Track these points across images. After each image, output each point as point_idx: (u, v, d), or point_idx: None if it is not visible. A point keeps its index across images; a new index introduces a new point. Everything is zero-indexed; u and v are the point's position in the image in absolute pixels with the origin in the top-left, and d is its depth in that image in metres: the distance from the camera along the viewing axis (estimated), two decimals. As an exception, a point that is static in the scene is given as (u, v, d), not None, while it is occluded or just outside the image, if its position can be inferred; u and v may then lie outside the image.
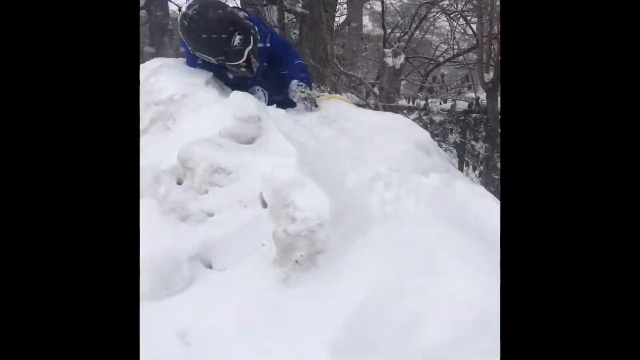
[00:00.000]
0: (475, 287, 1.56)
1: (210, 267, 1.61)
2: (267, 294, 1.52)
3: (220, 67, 2.25)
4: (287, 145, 1.79)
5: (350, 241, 1.64)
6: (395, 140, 2.04)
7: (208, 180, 1.70)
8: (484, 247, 1.71)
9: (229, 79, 2.33)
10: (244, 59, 2.21)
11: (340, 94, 4.60)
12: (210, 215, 1.67)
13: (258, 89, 2.38)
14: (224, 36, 2.11)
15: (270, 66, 2.49)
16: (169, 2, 4.89)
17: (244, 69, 2.28)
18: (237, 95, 1.87)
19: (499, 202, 2.06)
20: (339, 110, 2.22)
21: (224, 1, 2.40)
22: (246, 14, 2.41)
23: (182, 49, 2.38)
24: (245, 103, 1.83)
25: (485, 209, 1.89)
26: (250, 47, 2.21)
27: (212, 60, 2.19)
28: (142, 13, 5.38)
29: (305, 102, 2.31)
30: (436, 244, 1.67)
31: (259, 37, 2.32)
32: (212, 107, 1.90)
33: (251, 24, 2.30)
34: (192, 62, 2.27)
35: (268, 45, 2.46)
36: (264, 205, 1.69)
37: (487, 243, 1.74)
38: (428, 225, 1.74)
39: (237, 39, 2.14)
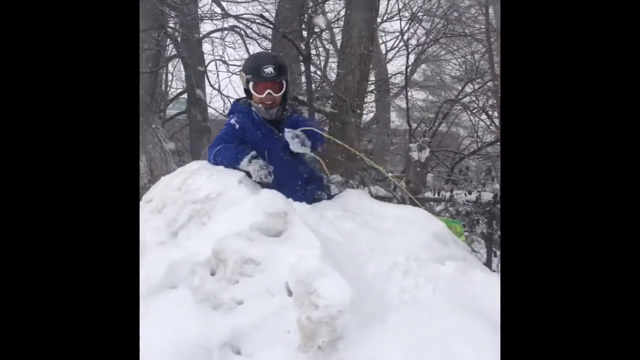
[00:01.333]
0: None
1: (239, 353, 1.72)
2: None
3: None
4: (312, 237, 1.94)
5: (369, 327, 1.74)
6: (414, 231, 2.18)
7: (239, 271, 1.85)
8: (498, 336, 1.78)
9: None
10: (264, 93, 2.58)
11: (368, 188, 4.79)
12: (240, 303, 1.81)
13: (256, 162, 2.49)
14: None
15: None
16: (208, 107, 5.30)
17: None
18: (267, 193, 2.07)
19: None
20: (359, 203, 2.39)
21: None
22: None
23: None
24: (273, 199, 2.02)
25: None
26: None
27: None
28: (183, 117, 5.82)
29: (295, 139, 2.52)
30: (452, 332, 1.75)
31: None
32: (244, 204, 2.09)
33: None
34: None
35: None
36: (290, 294, 1.82)
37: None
38: (444, 312, 1.84)
39: (269, 69, 2.55)
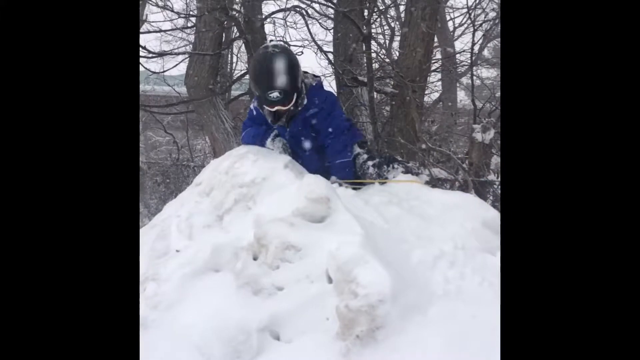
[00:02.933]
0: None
1: (278, 338, 1.73)
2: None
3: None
4: (354, 224, 1.91)
5: (410, 318, 1.70)
6: (462, 218, 2.10)
7: (280, 257, 1.86)
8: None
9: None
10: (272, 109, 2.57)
11: (429, 170, 4.68)
12: (280, 289, 1.81)
13: (279, 140, 2.65)
14: (267, 79, 2.47)
15: (307, 132, 2.73)
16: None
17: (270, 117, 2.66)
18: (309, 178, 2.05)
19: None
20: (408, 189, 2.33)
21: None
22: (310, 80, 2.72)
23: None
24: (316, 185, 2.00)
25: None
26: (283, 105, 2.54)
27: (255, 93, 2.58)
28: (247, 97, 5.88)
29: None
30: (496, 326, 1.67)
31: (304, 103, 2.64)
32: (288, 189, 2.08)
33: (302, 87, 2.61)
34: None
35: (314, 122, 2.70)
36: (330, 281, 1.80)
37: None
38: (490, 305, 1.75)
39: (274, 94, 2.47)
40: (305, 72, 2.77)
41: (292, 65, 2.51)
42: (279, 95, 2.48)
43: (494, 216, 2.15)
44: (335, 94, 5.98)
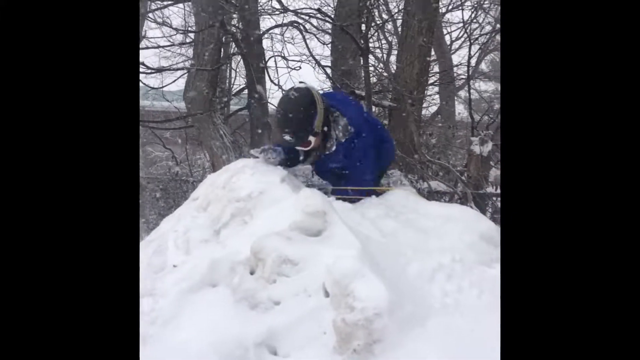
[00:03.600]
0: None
1: (275, 353, 1.72)
2: (325, 382, 1.59)
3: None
4: (351, 237, 1.91)
5: (407, 332, 1.69)
6: (460, 231, 2.10)
7: (277, 271, 1.85)
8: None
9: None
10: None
11: (428, 183, 4.68)
12: (277, 303, 1.81)
13: (272, 149, 2.61)
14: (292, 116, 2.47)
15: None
16: (268, 103, 5.35)
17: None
18: (306, 192, 2.06)
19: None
20: (405, 202, 2.33)
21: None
22: (343, 129, 2.61)
23: None
24: (312, 198, 2.00)
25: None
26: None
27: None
28: (245, 112, 5.91)
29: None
30: (494, 339, 1.66)
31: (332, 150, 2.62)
32: (284, 203, 2.08)
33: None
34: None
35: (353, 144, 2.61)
36: (327, 295, 1.79)
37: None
38: (488, 318, 1.75)
39: (286, 137, 2.50)
40: (337, 114, 2.63)
41: (307, 109, 2.49)
42: (290, 138, 2.51)
43: (491, 228, 2.15)
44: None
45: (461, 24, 7.55)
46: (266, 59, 5.38)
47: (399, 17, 6.64)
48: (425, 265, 1.94)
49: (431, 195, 4.48)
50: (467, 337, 1.69)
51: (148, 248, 2.20)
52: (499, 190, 4.56)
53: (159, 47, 5.76)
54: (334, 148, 2.62)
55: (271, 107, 5.54)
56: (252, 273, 1.93)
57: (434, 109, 8.30)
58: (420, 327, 1.72)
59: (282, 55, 5.76)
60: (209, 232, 2.16)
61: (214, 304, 1.85)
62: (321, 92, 2.72)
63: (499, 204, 4.45)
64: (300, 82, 2.62)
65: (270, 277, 1.85)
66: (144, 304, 1.88)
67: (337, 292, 1.74)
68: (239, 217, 2.15)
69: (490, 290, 1.89)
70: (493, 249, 2.07)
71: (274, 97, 5.89)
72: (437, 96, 8.26)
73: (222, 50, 5.61)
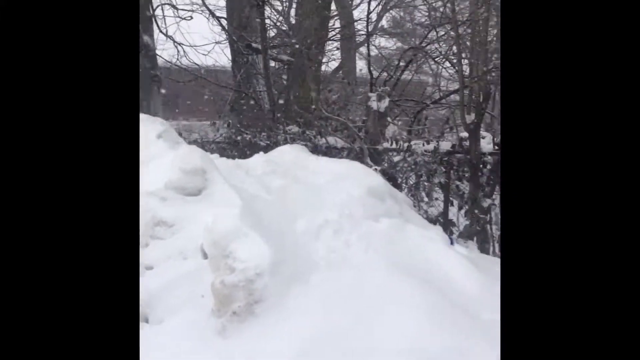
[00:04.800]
0: (418, 333, 1.54)
1: (147, 321, 1.59)
2: (200, 347, 1.50)
3: None
4: (233, 195, 1.80)
5: (290, 289, 1.62)
6: (349, 187, 2.04)
7: (149, 234, 1.71)
8: (428, 291, 1.68)
9: None
10: None
11: (325, 139, 4.64)
12: (149, 268, 1.67)
13: None
14: None
15: None
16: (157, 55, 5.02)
17: None
18: (184, 148, 1.90)
19: (449, 244, 2.05)
20: (294, 159, 2.24)
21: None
22: None
23: None
24: (190, 156, 1.85)
25: (434, 252, 1.88)
26: None
27: None
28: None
29: None
30: (377, 291, 1.64)
31: None
32: (160, 160, 1.92)
33: None
34: None
35: None
36: (205, 256, 1.68)
37: (433, 286, 1.73)
38: (374, 271, 1.72)
39: None
40: None
41: None
42: None
43: (379, 183, 2.12)
44: (230, 62, 5.76)
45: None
46: (154, 7, 5.01)
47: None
48: (312, 221, 1.87)
49: (329, 150, 4.45)
50: (350, 291, 1.65)
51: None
52: (394, 145, 4.60)
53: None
54: None
55: (159, 59, 5.22)
56: (123, 237, 1.76)
57: (335, 64, 8.23)
58: (304, 284, 1.66)
59: (171, 3, 5.39)
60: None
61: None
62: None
63: (394, 159, 4.50)
64: None
65: (142, 240, 1.70)
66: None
67: (216, 253, 1.63)
68: (109, 176, 1.96)
69: (377, 243, 1.86)
70: (380, 203, 2.04)
71: (163, 49, 5.53)
72: (339, 52, 8.18)
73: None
